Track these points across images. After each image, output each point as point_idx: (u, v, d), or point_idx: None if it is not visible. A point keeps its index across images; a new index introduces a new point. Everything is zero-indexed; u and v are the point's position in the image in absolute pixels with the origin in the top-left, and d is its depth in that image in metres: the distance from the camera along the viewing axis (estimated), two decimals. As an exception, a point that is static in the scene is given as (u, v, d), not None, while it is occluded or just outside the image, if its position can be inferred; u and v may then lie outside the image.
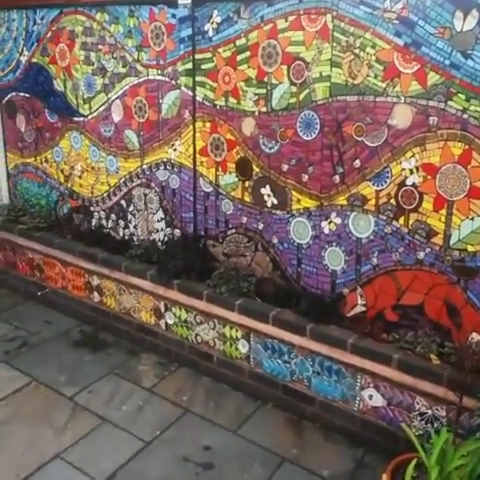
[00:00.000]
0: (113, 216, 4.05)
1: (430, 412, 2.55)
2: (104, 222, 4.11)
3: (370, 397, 2.75)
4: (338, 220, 2.86)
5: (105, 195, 4.04)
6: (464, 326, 2.55)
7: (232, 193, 3.30)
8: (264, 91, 2.95)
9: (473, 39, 2.19)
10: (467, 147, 2.32)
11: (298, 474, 2.69)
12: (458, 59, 2.25)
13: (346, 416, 2.87)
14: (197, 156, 3.41)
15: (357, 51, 2.52)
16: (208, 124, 3.28)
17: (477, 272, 2.44)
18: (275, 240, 3.18)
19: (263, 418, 3.10)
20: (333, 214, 2.87)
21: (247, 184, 3.21)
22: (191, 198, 3.52)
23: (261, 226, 3.22)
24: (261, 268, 3.31)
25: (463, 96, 2.27)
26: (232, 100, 3.12)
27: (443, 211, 2.47)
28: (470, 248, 2.43)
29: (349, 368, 2.79)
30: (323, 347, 2.85)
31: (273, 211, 3.13)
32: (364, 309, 2.89)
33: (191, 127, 3.36)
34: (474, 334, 2.52)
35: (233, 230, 3.38)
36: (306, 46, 2.70)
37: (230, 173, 3.27)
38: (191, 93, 3.29)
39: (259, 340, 3.13)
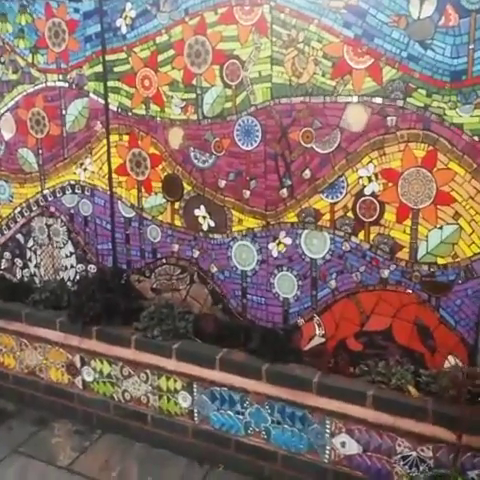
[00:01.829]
0: (7, 254, 3.58)
1: (414, 454, 2.36)
2: (-5, 263, 3.60)
3: (343, 444, 2.51)
4: (288, 240, 2.65)
5: (-4, 230, 3.55)
6: (438, 349, 2.42)
7: (159, 217, 2.99)
8: (193, 96, 2.71)
9: (432, 27, 2.12)
10: (431, 148, 2.23)
11: None
12: (416, 50, 2.16)
13: (315, 470, 2.60)
14: (114, 176, 3.08)
15: (301, 46, 2.37)
16: (126, 137, 2.97)
17: (449, 287, 2.34)
18: (214, 269, 2.89)
19: (215, 486, 2.74)
20: (282, 234, 2.65)
21: (177, 205, 2.92)
22: (108, 226, 3.16)
23: (196, 254, 2.93)
24: (199, 303, 3.00)
25: (424, 91, 2.19)
26: (154, 108, 2.84)
27: (408, 221, 2.35)
28: (440, 261, 2.33)
29: (316, 412, 2.54)
30: (283, 390, 2.58)
31: (210, 235, 2.86)
32: (323, 340, 2.68)
33: (104, 141, 3.04)
34: (450, 357, 2.39)
35: (163, 260, 3.05)
36: (241, 42, 2.51)
37: (156, 194, 2.97)
38: (103, 101, 2.98)
39: (204, 390, 2.79)
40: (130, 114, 2.93)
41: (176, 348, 2.83)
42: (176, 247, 2.99)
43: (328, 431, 2.53)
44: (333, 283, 2.59)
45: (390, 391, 2.39)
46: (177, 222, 2.95)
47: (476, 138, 2.14)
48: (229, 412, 2.76)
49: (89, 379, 3.14)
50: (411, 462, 2.37)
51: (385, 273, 2.46)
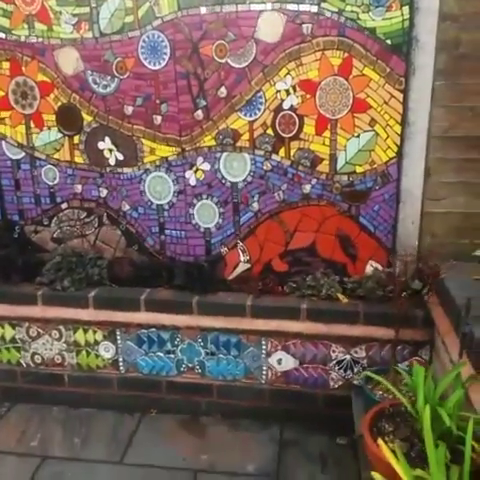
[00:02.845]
0: None
1: (348, 357, 2.35)
2: None
3: (279, 362, 2.42)
4: (206, 166, 2.42)
5: None
6: (359, 257, 2.41)
7: (55, 155, 2.57)
8: (87, 10, 2.31)
9: None
10: (346, 55, 2.15)
11: (221, 481, 2.19)
12: None
13: (252, 393, 2.50)
14: (-7, 112, 2.55)
15: None
16: (6, 64, 2.49)
17: (368, 194, 2.32)
18: (126, 207, 2.57)
19: (150, 432, 2.50)
20: (199, 160, 2.42)
21: (77, 140, 2.52)
22: (-9, 172, 2.63)
23: (104, 192, 2.57)
24: (111, 247, 2.65)
25: (338, -5, 2.09)
26: (40, 27, 2.38)
27: (327, 133, 2.28)
28: (358, 169, 2.30)
29: (251, 336, 2.41)
30: (217, 319, 2.40)
31: (119, 170, 2.53)
32: (248, 266, 2.53)
33: (-22, 71, 2.49)
34: (371, 262, 2.40)
35: (64, 205, 2.62)
36: None
37: (49, 128, 2.54)
38: (-29, 22, 2.41)
39: (129, 336, 2.51)
40: (9, 36, 2.41)
41: (93, 296, 2.48)
42: (79, 188, 2.59)
43: (264, 352, 2.42)
44: (255, 205, 2.43)
45: (322, 301, 2.36)
46: (78, 159, 2.55)
47: (389, 41, 2.10)
48: (159, 353, 2.51)
49: (-12, 349, 2.64)
50: (345, 365, 2.37)
51: (307, 188, 2.37)
